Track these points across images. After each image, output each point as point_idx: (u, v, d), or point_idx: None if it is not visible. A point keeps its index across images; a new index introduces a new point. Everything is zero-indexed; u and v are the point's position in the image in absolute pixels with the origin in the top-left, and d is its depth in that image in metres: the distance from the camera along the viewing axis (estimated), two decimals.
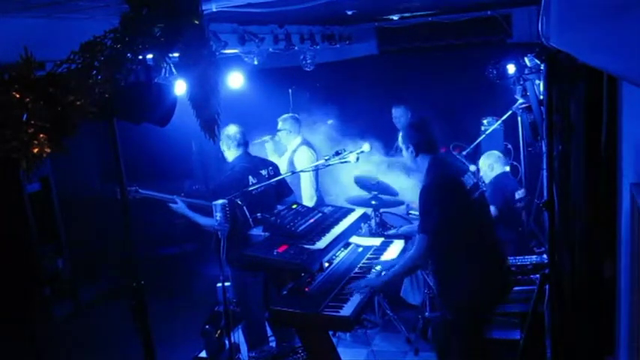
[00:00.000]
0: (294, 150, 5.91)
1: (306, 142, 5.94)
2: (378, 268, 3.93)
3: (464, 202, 3.56)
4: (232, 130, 4.66)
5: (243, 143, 4.71)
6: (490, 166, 5.45)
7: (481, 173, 5.56)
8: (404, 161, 3.85)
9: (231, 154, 4.72)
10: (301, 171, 5.09)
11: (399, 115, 6.84)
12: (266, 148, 6.05)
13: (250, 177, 4.55)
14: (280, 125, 6.02)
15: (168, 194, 4.56)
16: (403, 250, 4.31)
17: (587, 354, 2.81)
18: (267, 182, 4.51)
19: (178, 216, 4.65)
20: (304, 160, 5.71)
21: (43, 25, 3.28)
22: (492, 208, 5.10)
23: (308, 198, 5.66)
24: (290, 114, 6.20)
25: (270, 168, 4.81)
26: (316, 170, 5.44)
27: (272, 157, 5.93)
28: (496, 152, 5.65)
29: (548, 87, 3.37)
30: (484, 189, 5.54)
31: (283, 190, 4.85)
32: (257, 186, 4.41)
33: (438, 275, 3.73)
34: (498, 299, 3.84)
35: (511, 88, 5.79)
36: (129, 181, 2.87)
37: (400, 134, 3.85)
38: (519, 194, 5.49)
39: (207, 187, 4.77)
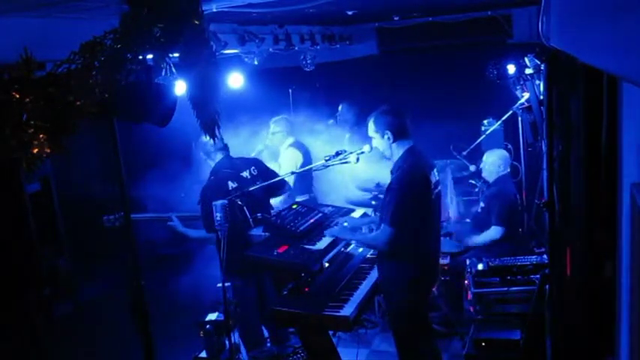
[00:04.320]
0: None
1: (296, 143, 5.89)
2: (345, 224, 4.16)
3: (427, 198, 3.68)
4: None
5: (223, 147, 4.58)
6: (496, 164, 5.40)
7: (485, 166, 5.49)
8: (377, 148, 3.88)
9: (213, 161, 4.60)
10: (301, 171, 5.08)
11: (352, 113, 6.69)
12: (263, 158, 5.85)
13: (230, 182, 4.42)
14: (273, 128, 5.94)
15: (164, 213, 4.75)
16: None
17: (587, 354, 2.80)
18: (261, 184, 4.44)
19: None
20: (288, 160, 5.67)
21: (43, 25, 3.28)
22: (499, 229, 5.11)
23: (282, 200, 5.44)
24: (281, 115, 6.13)
25: (253, 168, 4.66)
26: (310, 171, 5.38)
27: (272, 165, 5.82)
28: (503, 152, 5.56)
29: (548, 87, 3.37)
30: (484, 188, 5.55)
31: (275, 185, 4.66)
32: (247, 183, 4.38)
33: (382, 265, 3.79)
34: (429, 293, 3.98)
35: (511, 88, 5.79)
36: (129, 180, 2.87)
37: (372, 120, 3.90)
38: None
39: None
